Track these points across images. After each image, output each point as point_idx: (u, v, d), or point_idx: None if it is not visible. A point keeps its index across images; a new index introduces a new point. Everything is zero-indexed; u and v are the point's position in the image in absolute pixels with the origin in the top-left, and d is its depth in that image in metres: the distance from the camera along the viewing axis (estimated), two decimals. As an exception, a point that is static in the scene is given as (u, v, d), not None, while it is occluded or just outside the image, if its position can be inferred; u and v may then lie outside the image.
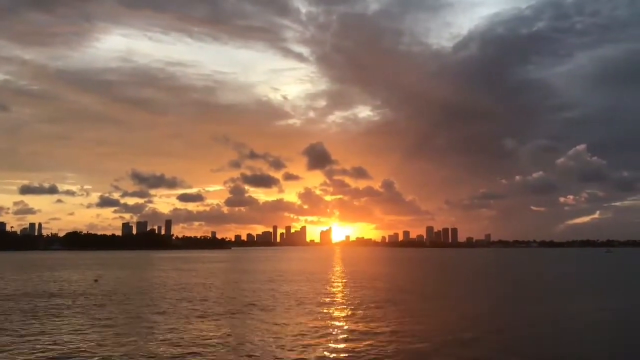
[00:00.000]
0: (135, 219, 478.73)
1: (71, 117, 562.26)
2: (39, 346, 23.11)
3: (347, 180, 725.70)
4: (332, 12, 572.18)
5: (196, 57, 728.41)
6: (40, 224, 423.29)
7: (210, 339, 24.75)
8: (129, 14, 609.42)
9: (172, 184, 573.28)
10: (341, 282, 62.92)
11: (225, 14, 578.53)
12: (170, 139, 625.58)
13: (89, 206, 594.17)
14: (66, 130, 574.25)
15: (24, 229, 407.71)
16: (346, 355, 21.68)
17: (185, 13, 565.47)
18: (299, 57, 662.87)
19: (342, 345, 23.53)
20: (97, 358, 20.85)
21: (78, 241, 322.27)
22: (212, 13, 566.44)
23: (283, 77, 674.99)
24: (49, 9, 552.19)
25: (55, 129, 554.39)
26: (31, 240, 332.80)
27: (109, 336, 25.31)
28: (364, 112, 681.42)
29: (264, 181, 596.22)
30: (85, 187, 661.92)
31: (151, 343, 23.69)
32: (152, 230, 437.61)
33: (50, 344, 23.51)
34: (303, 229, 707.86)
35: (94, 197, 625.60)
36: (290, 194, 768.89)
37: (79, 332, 26.62)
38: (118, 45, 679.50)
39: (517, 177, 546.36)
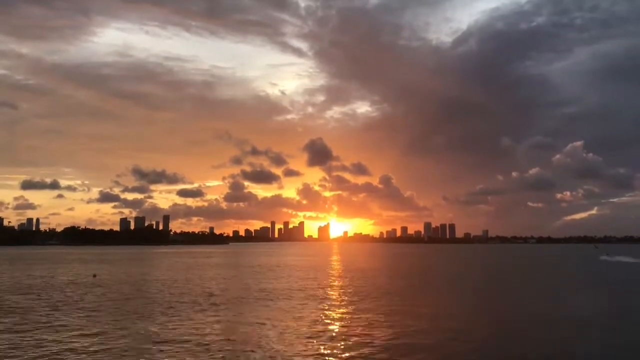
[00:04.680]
0: (134, 214, 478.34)
1: (68, 111, 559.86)
2: (41, 340, 22.94)
3: (345, 175, 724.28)
4: (331, 7, 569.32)
5: (194, 51, 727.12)
6: (38, 219, 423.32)
7: (207, 332, 24.60)
8: (125, 8, 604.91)
9: (171, 179, 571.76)
10: (338, 277, 62.78)
11: (222, 8, 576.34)
12: (169, 134, 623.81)
13: (89, 201, 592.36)
14: (63, 125, 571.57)
15: (22, 224, 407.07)
16: (341, 350, 21.57)
17: (183, 7, 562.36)
18: (298, 51, 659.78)
19: (335, 342, 23.40)
20: (95, 351, 20.71)
21: (75, 236, 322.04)
22: (209, 7, 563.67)
23: (281, 72, 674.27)
24: (46, 2, 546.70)
25: (53, 124, 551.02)
26: (28, 235, 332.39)
27: (108, 330, 25.14)
28: (363, 107, 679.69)
29: (265, 177, 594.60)
30: (84, 182, 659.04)
31: (149, 337, 23.55)
32: (150, 225, 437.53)
33: (50, 339, 23.32)
34: (301, 224, 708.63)
35: (94, 192, 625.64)
36: (289, 190, 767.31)
37: (80, 327, 26.46)
38: (115, 39, 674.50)
39: (515, 174, 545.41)
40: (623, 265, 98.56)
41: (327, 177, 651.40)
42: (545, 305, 36.88)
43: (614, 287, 53.56)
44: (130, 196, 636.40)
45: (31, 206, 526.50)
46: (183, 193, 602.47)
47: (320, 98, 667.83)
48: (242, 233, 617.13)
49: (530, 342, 23.44)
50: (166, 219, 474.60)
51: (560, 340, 24.03)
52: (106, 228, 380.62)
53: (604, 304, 38.58)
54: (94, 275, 62.00)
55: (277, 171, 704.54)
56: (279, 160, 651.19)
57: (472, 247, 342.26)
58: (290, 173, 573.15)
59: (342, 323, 28.24)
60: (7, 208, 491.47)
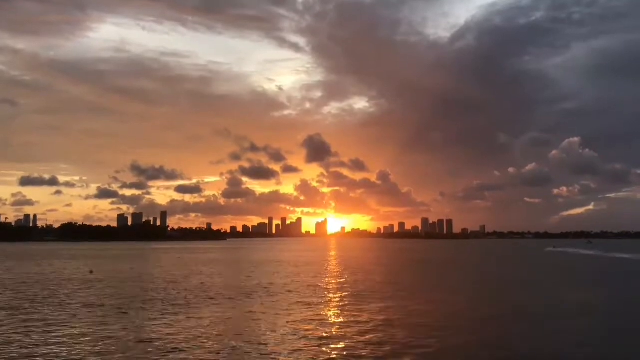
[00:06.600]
0: (132, 210, 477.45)
1: (64, 107, 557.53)
2: (33, 336, 22.67)
3: (343, 171, 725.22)
4: (328, 2, 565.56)
5: (190, 47, 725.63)
6: (35, 215, 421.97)
7: (204, 329, 24.38)
8: (121, 3, 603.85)
9: (169, 175, 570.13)
10: (336, 273, 62.75)
11: (219, 3, 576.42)
12: (167, 130, 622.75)
13: (87, 198, 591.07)
14: (60, 121, 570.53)
15: (19, 220, 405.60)
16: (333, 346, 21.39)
17: (179, 2, 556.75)
18: (295, 47, 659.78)
19: (330, 336, 23.22)
20: (89, 348, 20.41)
21: (72, 232, 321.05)
22: (206, 2, 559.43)
23: (278, 68, 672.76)
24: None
25: (50, 120, 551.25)
26: (25, 231, 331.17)
27: (102, 327, 24.92)
28: (360, 103, 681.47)
29: (263, 173, 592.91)
30: (82, 178, 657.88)
31: (144, 334, 23.33)
32: (148, 221, 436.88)
33: (42, 335, 23.06)
34: (299, 220, 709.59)
35: (92, 188, 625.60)
36: (287, 186, 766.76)
37: (75, 323, 26.19)
38: (111, 35, 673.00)
39: (512, 169, 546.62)
40: (562, 255, 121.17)
41: (325, 173, 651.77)
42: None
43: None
44: (128, 192, 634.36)
45: (29, 202, 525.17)
46: (181, 189, 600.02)
47: (318, 94, 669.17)
48: (239, 229, 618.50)
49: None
50: (164, 215, 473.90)
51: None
52: (104, 224, 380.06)
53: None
54: (91, 272, 61.61)
55: (276, 167, 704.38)
56: (277, 157, 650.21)
57: (467, 242, 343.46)
58: (288, 169, 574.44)
59: (341, 319, 28.06)
60: (4, 204, 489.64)
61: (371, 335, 23.05)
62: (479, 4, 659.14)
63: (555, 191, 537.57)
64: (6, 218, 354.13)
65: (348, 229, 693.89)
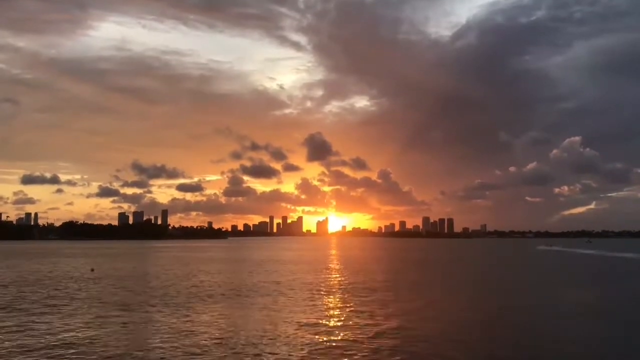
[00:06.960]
0: (133, 208, 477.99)
1: (66, 106, 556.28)
2: (31, 333, 22.75)
3: (344, 170, 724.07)
4: (329, 0, 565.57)
5: (191, 45, 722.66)
6: (36, 214, 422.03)
7: (201, 326, 24.44)
8: (122, 1, 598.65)
9: (170, 174, 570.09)
10: (335, 271, 62.83)
11: (220, 1, 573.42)
12: (167, 129, 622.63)
13: (88, 196, 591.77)
14: (61, 120, 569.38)
15: (20, 218, 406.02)
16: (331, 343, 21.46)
17: (180, 0, 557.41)
18: (296, 45, 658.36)
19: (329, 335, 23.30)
20: (87, 346, 20.49)
21: (74, 231, 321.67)
22: (207, 0, 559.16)
23: (279, 67, 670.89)
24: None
25: (50, 118, 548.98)
26: (27, 230, 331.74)
27: (101, 324, 25.01)
28: (361, 102, 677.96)
29: (264, 172, 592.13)
30: (84, 177, 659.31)
31: (143, 331, 23.44)
32: (149, 220, 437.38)
33: (40, 332, 23.15)
34: (299, 219, 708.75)
35: (93, 187, 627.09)
36: (288, 185, 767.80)
37: (79, 320, 26.30)
38: (112, 33, 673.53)
39: (513, 168, 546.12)
40: (561, 254, 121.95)
41: (326, 172, 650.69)
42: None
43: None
44: (129, 191, 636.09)
45: (30, 201, 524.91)
46: (182, 187, 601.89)
47: (319, 92, 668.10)
48: (240, 228, 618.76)
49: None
50: (164, 213, 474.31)
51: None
52: (105, 223, 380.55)
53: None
54: (92, 270, 61.79)
55: (277, 166, 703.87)
56: (278, 155, 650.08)
57: (468, 242, 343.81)
58: (289, 168, 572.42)
59: (345, 322, 28.10)
60: (6, 203, 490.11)
61: (377, 339, 23.07)
62: (480, 2, 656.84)
63: (556, 190, 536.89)
64: (7, 217, 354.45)
65: (349, 228, 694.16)
